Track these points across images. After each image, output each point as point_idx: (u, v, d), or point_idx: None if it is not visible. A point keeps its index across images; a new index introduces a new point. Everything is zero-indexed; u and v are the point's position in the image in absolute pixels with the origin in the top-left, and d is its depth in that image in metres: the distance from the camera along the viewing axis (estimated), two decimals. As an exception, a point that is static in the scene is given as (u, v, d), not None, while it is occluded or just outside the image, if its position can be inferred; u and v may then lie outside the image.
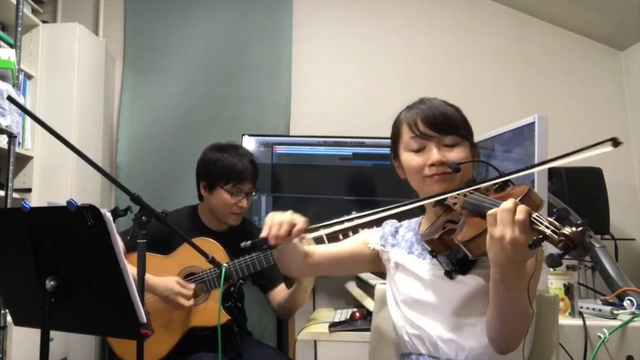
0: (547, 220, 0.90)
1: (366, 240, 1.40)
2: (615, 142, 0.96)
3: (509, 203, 0.95)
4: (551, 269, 1.87)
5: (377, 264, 1.40)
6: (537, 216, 0.92)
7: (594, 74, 2.88)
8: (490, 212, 0.97)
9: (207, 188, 2.06)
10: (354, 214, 1.41)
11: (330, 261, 1.40)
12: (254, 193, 2.10)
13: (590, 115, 2.80)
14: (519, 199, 0.98)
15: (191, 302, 1.92)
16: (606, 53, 2.89)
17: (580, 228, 0.84)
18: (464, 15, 2.96)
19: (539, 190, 1.66)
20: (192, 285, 1.94)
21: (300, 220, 1.21)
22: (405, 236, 1.35)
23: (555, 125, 1.65)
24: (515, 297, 1.02)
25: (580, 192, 2.32)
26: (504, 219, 0.95)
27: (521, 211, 0.94)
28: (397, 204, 1.16)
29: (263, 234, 1.20)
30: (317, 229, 1.22)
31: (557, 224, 0.87)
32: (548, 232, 0.87)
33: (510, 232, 0.94)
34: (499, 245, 0.96)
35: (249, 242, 1.22)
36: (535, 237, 0.89)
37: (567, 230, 0.85)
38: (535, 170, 1.10)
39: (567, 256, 0.85)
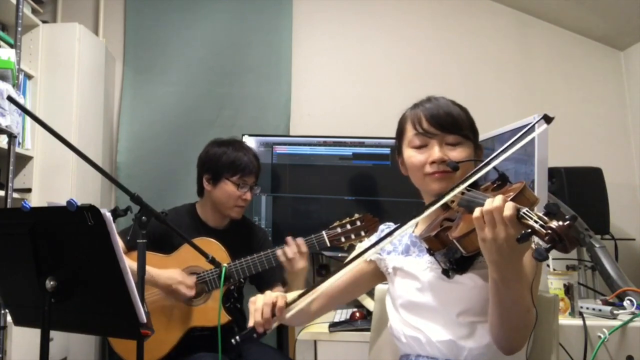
0: (536, 215, 0.91)
1: (365, 259, 1.40)
2: (547, 119, 1.06)
3: (496, 201, 0.96)
4: (551, 269, 1.88)
5: (380, 276, 1.39)
6: (526, 211, 0.93)
7: (594, 74, 2.88)
8: (475, 215, 0.98)
9: (212, 181, 2.08)
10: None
11: (336, 295, 1.37)
12: (256, 187, 2.12)
13: (590, 115, 2.80)
14: (512, 196, 0.98)
15: (193, 292, 1.93)
16: (606, 53, 2.89)
17: (567, 222, 0.85)
18: (464, 15, 2.96)
19: (539, 190, 1.67)
20: (194, 278, 1.95)
21: (279, 298, 1.19)
22: (401, 240, 1.35)
23: (555, 125, 1.64)
24: (516, 294, 1.02)
25: (580, 192, 2.32)
26: (492, 219, 0.95)
27: (508, 208, 0.94)
28: (402, 222, 1.14)
29: (249, 324, 1.17)
30: (296, 300, 1.19)
31: (545, 218, 0.89)
32: (536, 226, 0.88)
33: (502, 230, 0.94)
34: (493, 245, 0.96)
35: (237, 337, 1.15)
36: (523, 231, 0.90)
37: (553, 224, 0.86)
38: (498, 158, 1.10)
39: (554, 250, 0.86)
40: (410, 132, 1.28)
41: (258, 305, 1.18)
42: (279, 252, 1.99)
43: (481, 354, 1.15)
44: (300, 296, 1.19)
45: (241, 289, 2.17)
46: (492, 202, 0.96)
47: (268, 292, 1.23)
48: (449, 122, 1.24)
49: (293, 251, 1.98)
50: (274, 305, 1.18)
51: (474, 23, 2.96)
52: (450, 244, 1.09)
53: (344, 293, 1.40)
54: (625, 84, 2.84)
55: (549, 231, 0.86)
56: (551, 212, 0.89)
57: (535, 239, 0.91)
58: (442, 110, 1.25)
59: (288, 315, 1.19)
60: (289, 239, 2.02)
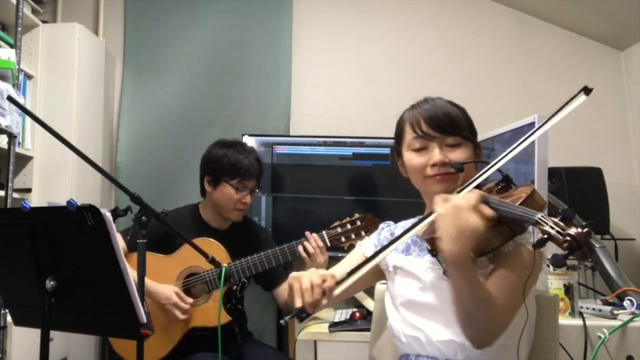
0: (552, 220, 0.89)
1: (363, 252, 1.40)
2: (587, 90, 1.05)
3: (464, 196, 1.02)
4: (551, 269, 1.88)
5: (380, 274, 1.40)
6: (542, 216, 0.92)
7: (594, 74, 2.88)
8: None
9: (212, 183, 2.08)
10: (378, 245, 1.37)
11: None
12: (257, 190, 2.12)
13: (590, 115, 2.80)
14: (521, 200, 0.98)
15: (185, 316, 1.94)
16: (606, 53, 2.88)
17: (586, 229, 0.84)
18: (464, 15, 2.96)
19: (539, 190, 1.66)
20: (190, 300, 1.96)
21: (328, 277, 1.13)
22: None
23: (555, 125, 1.64)
24: (466, 284, 1.04)
25: (580, 192, 2.32)
26: (450, 209, 1.01)
27: (473, 196, 1.00)
28: (414, 224, 1.15)
29: (297, 304, 1.11)
30: (346, 279, 1.13)
31: (562, 224, 0.87)
32: (553, 232, 0.87)
33: (461, 217, 1.00)
34: (444, 221, 1.03)
35: (286, 318, 1.11)
36: (540, 237, 0.89)
37: (572, 231, 0.85)
38: (523, 145, 1.11)
39: (570, 257, 0.85)
40: (409, 134, 1.27)
41: (306, 285, 1.11)
42: (299, 247, 2.01)
43: (481, 354, 1.15)
44: (349, 274, 1.14)
45: (243, 290, 2.17)
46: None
47: (314, 270, 1.16)
48: (448, 124, 1.23)
49: (313, 246, 1.99)
50: (323, 284, 1.12)
51: (474, 23, 2.96)
52: None
53: (344, 290, 1.40)
54: (625, 84, 2.84)
55: (568, 238, 0.84)
56: (567, 217, 0.88)
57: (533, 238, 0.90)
58: (440, 112, 1.24)
59: (336, 292, 1.13)
60: (308, 233, 2.04)
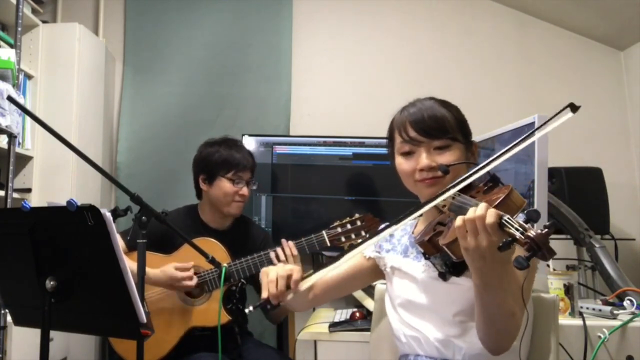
0: (517, 222, 0.90)
1: (361, 251, 1.40)
2: (574, 107, 1.02)
3: (479, 210, 0.95)
4: (551, 269, 1.88)
5: (379, 273, 1.40)
6: (508, 218, 0.91)
7: (594, 74, 2.88)
8: (457, 224, 0.97)
9: (207, 181, 2.08)
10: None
11: (334, 286, 1.38)
12: (253, 182, 2.12)
13: (590, 115, 2.80)
14: (498, 200, 0.97)
15: (195, 280, 1.94)
16: (606, 53, 2.89)
17: (545, 230, 0.84)
18: (464, 15, 2.96)
19: (539, 190, 1.66)
20: (191, 263, 1.94)
21: (294, 270, 1.19)
22: (400, 240, 1.35)
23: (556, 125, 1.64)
24: (498, 299, 1.02)
25: (580, 192, 2.31)
26: (474, 227, 0.94)
27: (491, 215, 0.93)
28: (392, 222, 1.14)
29: (263, 295, 1.18)
30: (311, 275, 1.19)
31: (525, 226, 0.87)
32: (517, 234, 0.87)
33: (484, 239, 0.93)
34: (476, 253, 0.95)
35: (251, 307, 1.19)
36: (505, 240, 0.89)
37: (532, 232, 0.85)
38: (498, 160, 1.08)
39: (534, 258, 0.85)
40: (397, 139, 1.27)
41: (272, 277, 1.18)
42: (272, 254, 1.99)
43: (478, 354, 1.15)
44: (314, 270, 1.20)
45: (243, 290, 2.17)
46: (475, 210, 0.95)
47: (281, 265, 1.23)
48: (434, 128, 1.22)
49: (286, 253, 1.98)
50: (289, 277, 1.18)
51: (474, 23, 2.96)
52: (442, 249, 1.08)
53: (341, 286, 1.41)
54: (625, 84, 2.84)
55: (528, 240, 0.85)
56: (531, 218, 0.88)
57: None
58: (426, 115, 1.23)
59: (303, 287, 1.19)
60: (284, 240, 2.02)
